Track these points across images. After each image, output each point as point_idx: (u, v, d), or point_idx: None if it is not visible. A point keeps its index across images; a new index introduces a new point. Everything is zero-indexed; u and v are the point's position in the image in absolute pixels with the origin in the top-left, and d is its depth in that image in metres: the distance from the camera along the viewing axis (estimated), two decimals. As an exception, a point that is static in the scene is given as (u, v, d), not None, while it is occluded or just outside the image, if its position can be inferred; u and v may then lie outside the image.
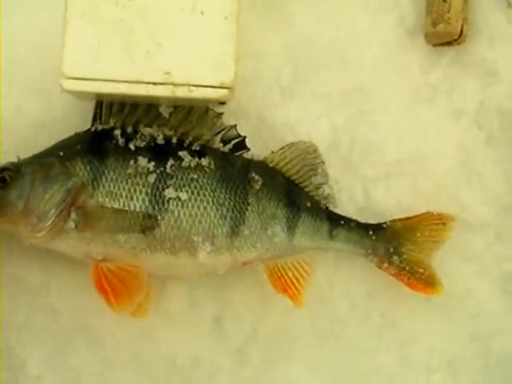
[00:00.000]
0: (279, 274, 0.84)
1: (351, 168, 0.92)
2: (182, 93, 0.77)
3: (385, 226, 0.87)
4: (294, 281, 0.84)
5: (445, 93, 0.93)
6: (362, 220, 0.88)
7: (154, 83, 0.76)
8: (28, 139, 0.89)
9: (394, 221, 0.88)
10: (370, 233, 0.86)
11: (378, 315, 0.92)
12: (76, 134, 0.83)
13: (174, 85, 0.77)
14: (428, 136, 0.92)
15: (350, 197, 0.90)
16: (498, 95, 0.92)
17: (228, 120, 0.85)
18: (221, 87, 0.77)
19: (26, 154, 0.87)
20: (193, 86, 0.77)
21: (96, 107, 0.82)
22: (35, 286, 0.88)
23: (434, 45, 0.92)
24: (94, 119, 0.82)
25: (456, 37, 0.89)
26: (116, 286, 0.77)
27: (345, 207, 0.90)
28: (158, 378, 0.88)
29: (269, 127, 0.90)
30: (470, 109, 0.93)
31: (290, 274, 0.84)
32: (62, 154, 0.80)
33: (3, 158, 0.87)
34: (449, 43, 0.91)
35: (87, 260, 0.80)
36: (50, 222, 0.77)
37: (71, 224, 0.78)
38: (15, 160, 0.82)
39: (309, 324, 0.91)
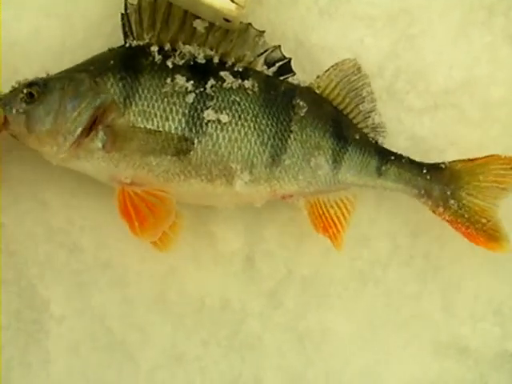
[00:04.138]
0: (321, 211, 0.79)
1: (396, 98, 0.86)
2: None
3: (443, 166, 0.80)
4: (335, 220, 0.79)
5: (501, 14, 0.86)
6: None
7: None
8: (47, 66, 0.82)
9: (454, 162, 0.80)
10: (424, 171, 0.80)
11: (421, 257, 0.87)
12: (109, 50, 0.79)
13: None
14: (480, 62, 0.86)
15: (393, 130, 0.84)
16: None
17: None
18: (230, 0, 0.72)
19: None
20: None
21: (123, 22, 0.77)
22: (57, 223, 0.84)
23: (489, -39, 0.85)
24: (126, 35, 0.77)
25: (515, -49, 0.82)
26: (141, 211, 0.73)
27: (388, 142, 0.83)
28: (185, 320, 0.85)
29: (307, 52, 0.85)
30: (529, 32, 0.87)
31: (332, 212, 0.79)
32: (92, 68, 0.76)
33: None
34: (506, -42, 0.84)
35: (113, 183, 0.75)
36: (75, 139, 0.73)
37: (98, 144, 0.74)
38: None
39: (347, 265, 0.87)
